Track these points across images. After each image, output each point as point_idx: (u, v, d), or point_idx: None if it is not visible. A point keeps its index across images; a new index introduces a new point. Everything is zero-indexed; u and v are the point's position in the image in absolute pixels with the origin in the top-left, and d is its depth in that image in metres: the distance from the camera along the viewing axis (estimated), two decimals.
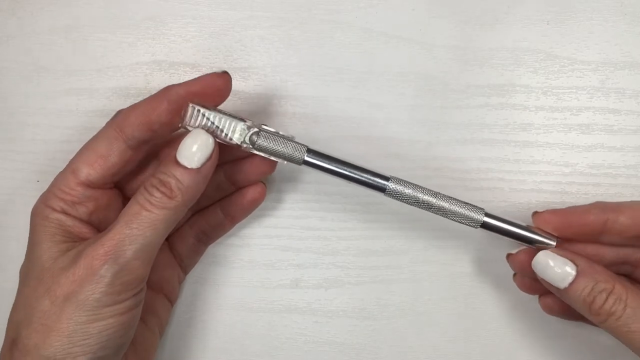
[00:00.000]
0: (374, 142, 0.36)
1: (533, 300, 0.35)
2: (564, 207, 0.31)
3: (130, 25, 0.36)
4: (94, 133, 0.31)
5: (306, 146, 0.30)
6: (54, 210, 0.29)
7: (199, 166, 0.27)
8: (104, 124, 0.31)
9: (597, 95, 0.35)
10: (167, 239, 0.33)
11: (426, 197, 0.30)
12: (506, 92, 0.36)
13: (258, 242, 0.36)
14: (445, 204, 0.30)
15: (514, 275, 0.33)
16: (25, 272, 0.28)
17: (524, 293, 0.34)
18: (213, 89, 0.29)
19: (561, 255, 0.29)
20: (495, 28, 0.36)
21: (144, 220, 0.27)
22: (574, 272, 0.28)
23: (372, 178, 0.30)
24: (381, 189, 0.30)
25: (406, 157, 0.36)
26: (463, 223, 0.30)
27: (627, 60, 0.35)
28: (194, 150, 0.27)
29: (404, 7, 0.36)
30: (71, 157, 0.30)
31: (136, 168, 0.32)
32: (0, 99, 0.36)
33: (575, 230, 0.30)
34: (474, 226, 0.30)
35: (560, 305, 0.32)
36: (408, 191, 0.30)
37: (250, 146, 0.29)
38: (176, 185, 0.27)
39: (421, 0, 0.36)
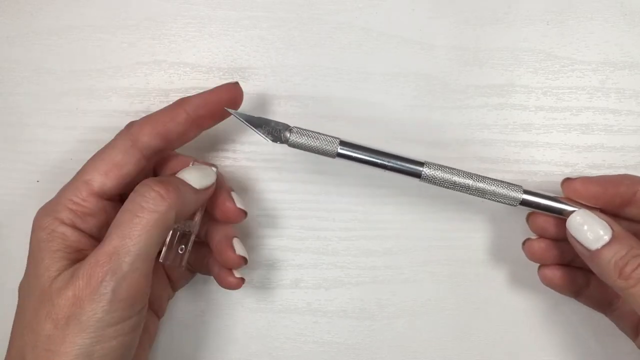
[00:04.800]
0: (374, 143, 0.36)
1: (534, 300, 0.35)
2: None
3: (130, 25, 0.36)
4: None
5: (339, 138, 0.30)
6: (63, 223, 0.28)
7: (197, 187, 0.29)
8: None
9: (597, 95, 0.35)
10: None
11: (463, 180, 0.30)
12: (506, 92, 0.36)
13: (258, 242, 0.36)
14: (483, 185, 0.30)
15: (524, 242, 0.33)
16: (25, 291, 0.28)
17: (523, 292, 0.34)
18: (227, 100, 0.30)
19: (600, 218, 0.29)
20: (496, 28, 0.36)
21: (135, 228, 0.26)
22: (607, 236, 0.28)
23: (406, 165, 0.30)
24: (416, 175, 0.30)
25: None
26: (502, 202, 0.30)
27: (627, 60, 0.35)
28: (198, 176, 0.29)
29: (404, 7, 0.36)
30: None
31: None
32: (0, 99, 0.36)
33: (607, 200, 0.30)
34: (513, 204, 0.30)
35: (560, 277, 0.32)
36: (444, 175, 0.30)
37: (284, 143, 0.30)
38: (173, 185, 0.27)
39: (421, 0, 0.36)
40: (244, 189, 0.36)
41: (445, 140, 0.36)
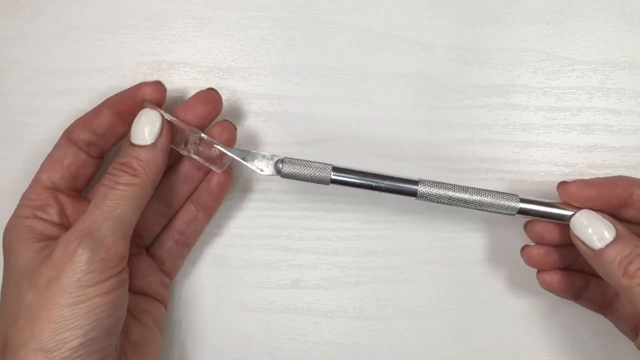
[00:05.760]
0: (374, 143, 0.36)
1: (534, 300, 0.35)
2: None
3: (130, 25, 0.36)
4: None
5: (331, 165, 0.30)
6: (26, 217, 0.30)
7: (153, 141, 0.29)
8: None
9: (597, 95, 0.35)
10: (146, 248, 0.34)
11: (459, 194, 0.30)
12: (506, 92, 0.36)
13: (258, 242, 0.36)
14: (479, 198, 0.30)
15: (522, 248, 0.33)
16: (5, 288, 0.29)
17: (523, 292, 0.34)
18: (147, 96, 0.31)
19: (603, 218, 0.29)
20: (496, 28, 0.36)
21: (113, 198, 0.28)
22: (611, 236, 0.28)
23: (401, 185, 0.30)
24: (412, 194, 0.30)
25: (406, 158, 0.36)
26: (500, 213, 0.30)
27: (627, 60, 0.35)
28: (143, 128, 0.29)
29: (404, 7, 0.36)
30: None
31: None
32: (0, 99, 0.36)
33: (603, 202, 0.30)
34: (511, 214, 0.30)
35: (559, 281, 0.32)
36: (439, 191, 0.30)
37: (275, 173, 0.31)
38: (137, 163, 0.29)
39: (421, 0, 0.36)
40: (244, 189, 0.36)
41: (445, 141, 0.36)
